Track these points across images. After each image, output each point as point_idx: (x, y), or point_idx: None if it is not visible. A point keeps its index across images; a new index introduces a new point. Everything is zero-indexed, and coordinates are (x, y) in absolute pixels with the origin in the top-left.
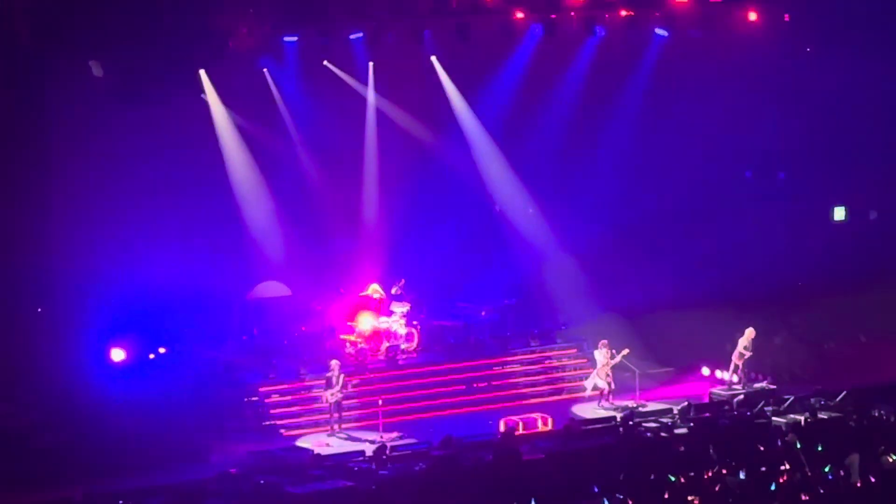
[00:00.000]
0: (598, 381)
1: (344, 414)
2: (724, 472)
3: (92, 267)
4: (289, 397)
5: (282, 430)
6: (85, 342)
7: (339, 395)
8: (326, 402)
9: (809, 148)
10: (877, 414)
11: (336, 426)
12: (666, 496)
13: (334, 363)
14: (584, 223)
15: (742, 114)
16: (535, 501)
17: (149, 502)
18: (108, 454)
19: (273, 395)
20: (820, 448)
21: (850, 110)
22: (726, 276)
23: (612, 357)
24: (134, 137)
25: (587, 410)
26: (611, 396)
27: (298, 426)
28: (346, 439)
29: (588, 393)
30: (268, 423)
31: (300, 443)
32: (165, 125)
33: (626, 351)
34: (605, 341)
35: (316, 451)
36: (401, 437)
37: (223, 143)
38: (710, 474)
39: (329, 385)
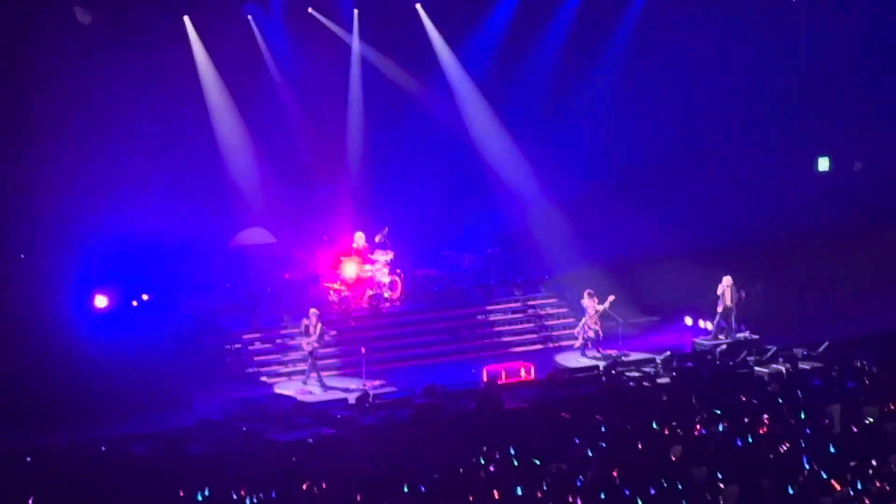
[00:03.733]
0: (587, 329)
1: (322, 362)
2: (707, 419)
3: (75, 213)
4: (271, 344)
5: (263, 378)
6: (68, 289)
7: (316, 344)
8: (303, 349)
9: (794, 98)
10: (859, 365)
11: (312, 374)
12: (648, 445)
13: (313, 311)
14: (569, 173)
15: (727, 65)
16: (514, 451)
17: (132, 449)
18: (92, 401)
19: (256, 343)
20: (801, 398)
21: (834, 60)
22: (711, 227)
23: (599, 305)
24: (118, 84)
25: (570, 360)
26: (599, 346)
27: (280, 374)
28: (321, 388)
29: (579, 342)
30: (250, 370)
31: (279, 390)
32: (150, 72)
33: (612, 297)
34: (590, 290)
35: (299, 399)
36: (383, 386)
37: (207, 90)
38: (692, 423)
39: (306, 333)
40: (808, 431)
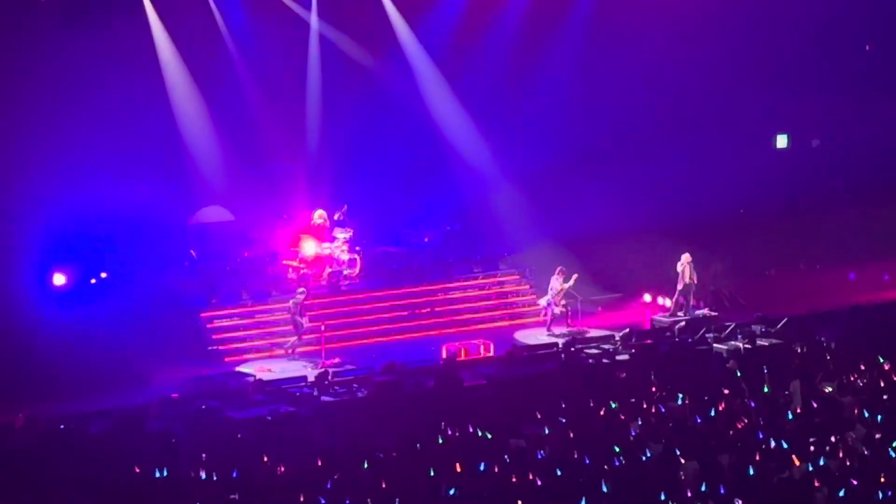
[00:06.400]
0: (554, 306)
1: (282, 340)
2: (666, 395)
3: (33, 190)
4: (229, 322)
5: (223, 356)
6: (26, 266)
7: (307, 325)
8: (302, 326)
9: (752, 75)
10: (818, 340)
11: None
12: (607, 422)
13: (302, 291)
14: (528, 149)
15: (686, 41)
16: (473, 427)
17: (91, 426)
18: (50, 379)
19: (215, 321)
20: (760, 375)
21: (793, 37)
22: (670, 204)
23: (564, 283)
24: (75, 61)
25: (529, 337)
26: (567, 322)
27: (240, 351)
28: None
29: (548, 319)
30: (209, 348)
31: (242, 368)
32: (108, 49)
33: (575, 276)
34: (561, 268)
35: (258, 377)
36: (341, 364)
37: (166, 67)
38: (651, 400)
39: (301, 313)
40: (766, 408)
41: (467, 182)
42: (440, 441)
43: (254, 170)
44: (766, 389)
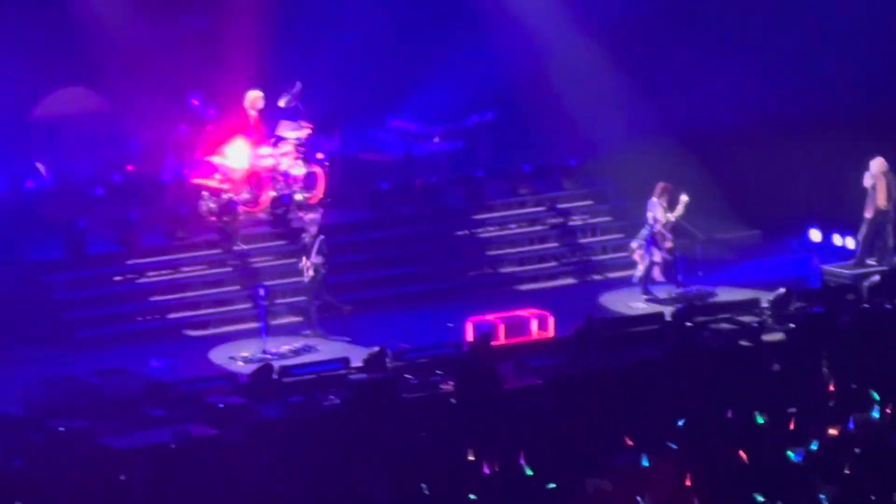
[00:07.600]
0: (653, 251)
1: (195, 314)
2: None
3: None
4: (105, 283)
5: (95, 343)
6: None
7: (323, 270)
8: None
9: None
10: None
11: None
12: (748, 447)
13: (312, 217)
14: None
15: None
16: (525, 460)
17: None
18: None
19: (80, 285)
20: None
21: None
22: (845, 81)
23: (670, 212)
24: None
25: (615, 303)
26: (677, 277)
27: (123, 334)
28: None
29: (640, 272)
30: (72, 328)
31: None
32: None
33: (684, 198)
34: (665, 184)
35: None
36: (298, 350)
37: None
38: (824, 409)
39: (305, 251)
40: None
41: (510, 42)
42: (463, 482)
43: (145, 26)
44: None
